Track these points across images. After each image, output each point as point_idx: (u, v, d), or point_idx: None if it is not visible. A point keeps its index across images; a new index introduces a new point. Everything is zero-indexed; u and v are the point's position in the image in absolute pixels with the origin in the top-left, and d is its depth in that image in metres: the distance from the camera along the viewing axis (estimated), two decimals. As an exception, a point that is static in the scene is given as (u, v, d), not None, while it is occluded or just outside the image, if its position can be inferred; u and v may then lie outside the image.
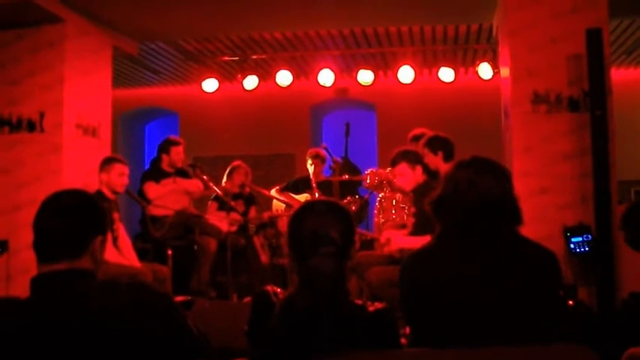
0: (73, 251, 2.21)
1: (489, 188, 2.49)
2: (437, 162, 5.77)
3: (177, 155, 7.30)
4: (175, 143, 7.34)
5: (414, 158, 5.51)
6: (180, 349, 2.24)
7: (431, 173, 5.65)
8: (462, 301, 2.35)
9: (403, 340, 2.56)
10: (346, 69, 9.68)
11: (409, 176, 5.51)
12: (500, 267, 2.40)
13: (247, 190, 7.96)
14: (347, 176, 7.48)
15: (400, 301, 2.54)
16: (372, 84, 9.20)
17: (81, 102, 6.82)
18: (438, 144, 5.80)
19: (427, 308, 2.42)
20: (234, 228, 7.42)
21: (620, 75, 9.37)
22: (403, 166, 5.51)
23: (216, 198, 7.65)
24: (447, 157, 5.78)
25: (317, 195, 7.17)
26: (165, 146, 7.33)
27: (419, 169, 5.48)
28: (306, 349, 2.17)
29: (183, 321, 2.29)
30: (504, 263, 2.41)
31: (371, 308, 2.40)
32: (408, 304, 2.52)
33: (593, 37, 5.49)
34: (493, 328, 2.30)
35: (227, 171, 7.90)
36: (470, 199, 2.47)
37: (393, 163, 5.60)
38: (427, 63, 9.62)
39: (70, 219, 2.24)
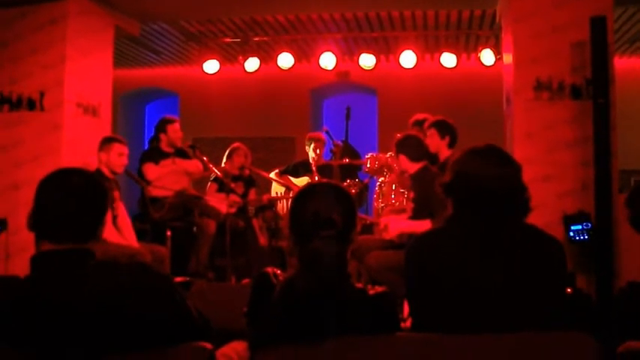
0: (84, 236, 2.21)
1: (503, 178, 2.48)
2: (441, 146, 5.76)
3: (175, 133, 7.21)
4: (171, 121, 7.25)
5: (398, 147, 5.49)
6: (180, 331, 2.24)
7: (430, 157, 5.63)
8: (466, 285, 2.35)
9: (402, 325, 2.56)
10: (348, 52, 9.65)
11: (397, 162, 5.54)
12: (507, 254, 2.40)
13: (247, 172, 7.94)
14: (347, 160, 7.47)
15: (405, 283, 2.53)
16: (373, 68, 9.19)
17: (82, 81, 6.79)
18: (447, 129, 5.79)
19: (432, 291, 2.42)
20: (233, 210, 7.40)
21: (622, 64, 9.33)
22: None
23: (216, 179, 7.63)
24: (452, 144, 5.78)
25: (317, 178, 7.16)
26: (162, 125, 7.25)
27: (402, 157, 5.45)
28: (306, 331, 2.17)
29: (184, 302, 2.29)
30: (512, 250, 2.41)
31: (371, 292, 2.40)
32: (413, 286, 2.51)
33: (598, 25, 5.47)
34: (497, 314, 2.31)
35: (227, 153, 7.87)
36: (483, 187, 2.46)
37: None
38: (429, 48, 9.59)
39: (84, 205, 2.24)
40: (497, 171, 2.49)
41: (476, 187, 2.47)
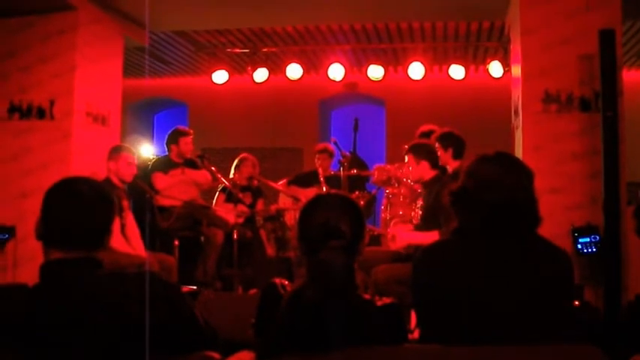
0: (92, 244, 2.22)
1: (513, 187, 2.44)
2: (446, 158, 5.76)
3: (186, 146, 7.27)
4: (184, 134, 7.31)
5: (420, 152, 5.48)
6: (187, 339, 2.24)
7: (440, 168, 5.63)
8: (473, 297, 2.34)
9: (410, 336, 2.56)
10: (356, 64, 9.68)
11: (413, 169, 5.49)
12: (514, 265, 2.38)
13: (255, 182, 7.96)
14: (355, 171, 7.47)
15: (412, 295, 2.52)
16: (381, 79, 9.19)
17: (91, 90, 6.82)
18: (449, 140, 5.78)
19: (439, 304, 2.40)
20: (241, 220, 7.41)
21: (630, 76, 9.32)
22: (409, 158, 5.50)
23: (224, 190, 7.65)
24: (457, 155, 5.77)
25: (324, 189, 7.16)
26: (174, 136, 7.30)
27: (424, 163, 5.43)
28: (314, 342, 2.17)
29: (192, 312, 2.30)
30: (519, 262, 2.39)
31: (379, 303, 2.40)
32: (420, 299, 2.50)
33: (606, 38, 5.47)
34: (504, 326, 2.29)
35: (235, 163, 7.89)
36: (492, 196, 2.43)
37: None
38: (438, 60, 9.59)
39: (91, 213, 2.25)
40: (511, 179, 2.46)
41: (489, 196, 2.44)
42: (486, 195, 2.45)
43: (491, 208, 2.43)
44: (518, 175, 2.49)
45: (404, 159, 5.59)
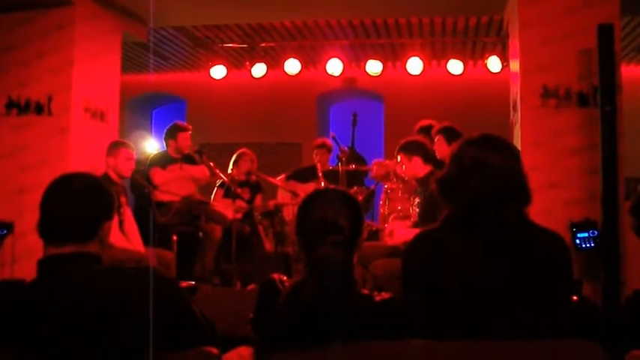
0: (82, 236, 2.22)
1: (497, 167, 2.40)
2: (448, 152, 5.75)
3: (185, 141, 7.26)
4: (182, 129, 7.30)
5: (410, 148, 5.48)
6: (185, 335, 2.24)
7: (437, 162, 5.62)
8: (464, 288, 2.31)
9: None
10: (355, 59, 9.66)
11: (406, 167, 5.50)
12: (505, 254, 2.35)
13: (253, 177, 7.95)
14: (353, 166, 7.46)
15: (402, 286, 2.51)
16: (380, 74, 9.19)
17: (89, 85, 6.79)
18: (454, 135, 5.77)
19: (429, 293, 2.37)
20: (239, 215, 7.41)
21: (628, 71, 9.31)
22: (401, 157, 5.50)
23: (222, 185, 7.65)
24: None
25: (323, 184, 7.16)
26: (172, 132, 7.31)
27: (416, 159, 5.44)
28: (312, 337, 2.17)
29: (189, 307, 2.29)
30: (510, 250, 2.36)
31: (378, 298, 2.40)
32: (410, 289, 2.48)
33: (605, 33, 5.46)
34: (495, 317, 2.27)
35: (233, 159, 7.89)
36: (476, 179, 2.40)
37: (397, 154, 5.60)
38: (436, 55, 9.60)
39: (81, 203, 2.25)
40: (494, 160, 2.42)
41: (475, 179, 2.41)
42: (467, 179, 2.42)
43: (473, 193, 2.40)
44: (501, 154, 2.46)
45: (397, 159, 5.60)
